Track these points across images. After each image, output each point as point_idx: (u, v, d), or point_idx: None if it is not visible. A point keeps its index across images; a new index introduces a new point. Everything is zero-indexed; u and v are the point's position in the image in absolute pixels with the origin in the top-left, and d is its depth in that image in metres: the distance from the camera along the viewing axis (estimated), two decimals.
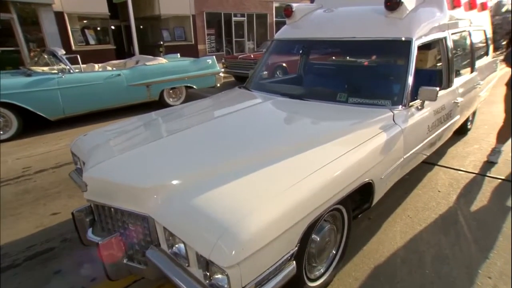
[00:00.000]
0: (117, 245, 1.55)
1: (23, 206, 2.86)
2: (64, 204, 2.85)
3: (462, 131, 3.97)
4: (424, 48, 2.67)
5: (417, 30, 2.35)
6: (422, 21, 2.44)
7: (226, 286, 1.15)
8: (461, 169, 3.24)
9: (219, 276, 1.19)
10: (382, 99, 2.25)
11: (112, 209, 1.57)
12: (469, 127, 4.22)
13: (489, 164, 3.31)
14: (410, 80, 2.23)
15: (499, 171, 3.15)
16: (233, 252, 1.10)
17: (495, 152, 3.37)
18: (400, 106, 2.17)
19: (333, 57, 3.12)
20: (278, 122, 2.17)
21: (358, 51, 2.73)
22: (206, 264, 1.21)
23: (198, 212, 1.25)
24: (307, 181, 1.41)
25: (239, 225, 1.15)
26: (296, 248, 1.35)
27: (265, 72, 3.29)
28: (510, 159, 3.36)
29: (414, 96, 2.23)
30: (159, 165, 1.57)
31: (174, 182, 1.44)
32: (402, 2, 2.32)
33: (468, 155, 3.55)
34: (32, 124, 5.18)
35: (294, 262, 1.36)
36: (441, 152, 3.56)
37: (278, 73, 6.94)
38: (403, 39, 2.30)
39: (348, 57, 2.79)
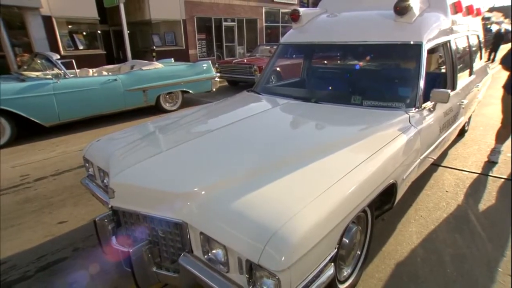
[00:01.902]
0: (146, 253, 1.51)
1: (26, 215, 2.75)
2: (70, 213, 2.75)
3: (460, 132, 4.07)
4: (429, 51, 2.74)
5: (426, 34, 2.41)
6: (430, 25, 2.51)
7: None
8: (465, 169, 3.32)
9: (266, 280, 1.17)
10: (396, 101, 2.29)
11: (140, 216, 1.53)
12: (466, 128, 4.34)
13: (490, 163, 3.40)
14: (422, 82, 2.28)
15: (501, 171, 3.25)
16: (284, 256, 1.08)
17: (495, 152, 3.47)
18: (414, 108, 2.21)
19: (344, 61, 3.15)
20: (300, 125, 2.17)
21: (369, 55, 2.77)
22: (250, 269, 1.19)
23: (241, 216, 1.23)
24: (344, 182, 1.41)
25: (287, 228, 1.14)
26: (336, 250, 1.34)
27: (272, 76, 3.29)
28: (510, 158, 3.46)
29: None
30: (190, 169, 1.54)
31: (208, 187, 1.42)
32: (411, 7, 2.38)
33: (469, 156, 3.65)
34: (25, 130, 5.02)
35: (333, 264, 1.36)
36: (443, 153, 3.64)
37: (272, 77, 6.94)
38: (414, 42, 2.36)
39: (359, 61, 2.83)
